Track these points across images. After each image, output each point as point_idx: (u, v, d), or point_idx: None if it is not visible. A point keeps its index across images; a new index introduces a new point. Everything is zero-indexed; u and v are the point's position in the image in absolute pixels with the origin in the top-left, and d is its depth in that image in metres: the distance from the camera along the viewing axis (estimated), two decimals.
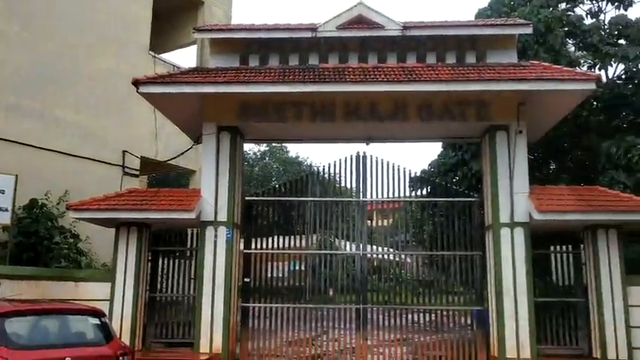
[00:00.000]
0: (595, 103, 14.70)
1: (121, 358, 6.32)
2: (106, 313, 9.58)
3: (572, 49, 15.43)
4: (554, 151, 15.25)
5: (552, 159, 16.03)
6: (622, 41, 14.20)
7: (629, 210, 9.49)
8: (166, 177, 27.55)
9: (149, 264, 10.78)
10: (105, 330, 6.56)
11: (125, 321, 9.99)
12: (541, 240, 10.37)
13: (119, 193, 10.83)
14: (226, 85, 9.88)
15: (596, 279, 9.81)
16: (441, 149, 17.66)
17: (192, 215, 9.92)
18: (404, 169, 11.21)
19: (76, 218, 10.63)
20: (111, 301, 10.06)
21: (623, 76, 14.67)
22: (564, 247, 10.75)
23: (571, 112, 11.14)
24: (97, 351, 6.27)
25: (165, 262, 11.13)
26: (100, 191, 10.96)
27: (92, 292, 10.12)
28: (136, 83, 9.90)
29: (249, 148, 41.85)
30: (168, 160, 14.06)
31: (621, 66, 14.62)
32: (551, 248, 10.81)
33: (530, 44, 13.65)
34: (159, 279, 11.04)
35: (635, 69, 14.20)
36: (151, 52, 16.44)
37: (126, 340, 9.71)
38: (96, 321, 6.56)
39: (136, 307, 10.09)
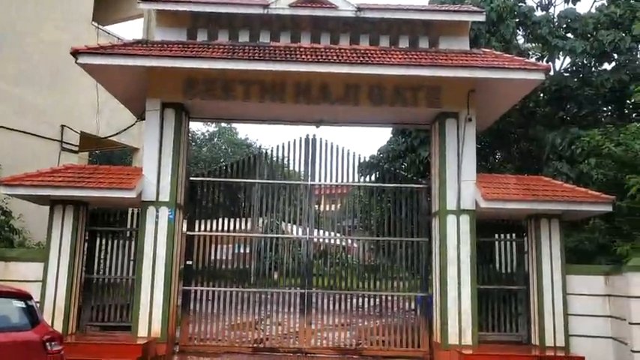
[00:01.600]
0: (542, 95, 14.94)
1: (47, 343, 5.93)
2: (39, 294, 9.26)
3: (522, 40, 15.60)
4: (500, 140, 15.45)
5: (498, 149, 16.25)
6: (569, 35, 14.41)
7: (572, 200, 9.65)
8: (110, 155, 26.67)
9: (86, 244, 10.30)
10: (31, 314, 6.12)
11: (58, 303, 9.52)
12: (485, 228, 10.44)
13: (55, 169, 10.26)
14: (171, 60, 9.44)
15: (537, 267, 9.96)
16: (390, 135, 17.65)
17: (132, 194, 9.51)
18: (353, 153, 11.12)
19: (8, 194, 10.02)
20: (43, 282, 9.55)
21: (570, 70, 14.94)
22: (508, 236, 10.87)
23: (518, 102, 11.26)
24: (21, 336, 5.84)
25: (104, 242, 10.66)
26: (36, 167, 10.37)
27: (24, 272, 9.60)
28: (75, 53, 9.32)
29: (198, 128, 41.14)
30: (110, 137, 13.46)
31: (568, 59, 14.90)
32: (495, 236, 10.91)
33: (482, 33, 13.70)
34: (96, 260, 10.57)
35: (580, 63, 14.46)
36: (94, 23, 15.67)
37: (59, 323, 9.32)
38: (21, 304, 6.11)
39: (71, 288, 9.62)
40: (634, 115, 15.08)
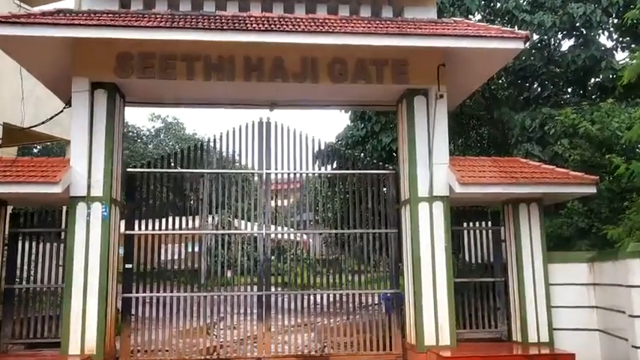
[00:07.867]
0: (503, 76, 14.23)
1: None
2: None
3: (479, 17, 14.77)
4: (459, 126, 14.63)
5: (456, 134, 15.41)
6: (537, 9, 13.66)
7: (554, 182, 8.83)
8: (45, 151, 24.77)
9: (5, 249, 8.87)
10: None
11: None
12: (455, 216, 9.50)
13: None
14: (100, 29, 8.05)
15: (517, 256, 9.16)
16: (349, 122, 16.68)
17: (57, 189, 8.09)
18: (312, 139, 10.03)
19: None
20: None
21: (535, 47, 14.20)
22: (483, 224, 9.98)
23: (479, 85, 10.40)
24: None
25: (27, 246, 9.18)
26: None
27: None
28: None
29: (143, 124, 39.70)
30: (34, 127, 11.86)
31: (534, 36, 14.15)
32: (470, 224, 9.99)
33: (446, 7, 12.83)
34: (18, 267, 9.09)
35: (547, 39, 13.76)
36: (16, 2, 14.00)
37: None
38: None
39: None
40: (594, 96, 14.56)
